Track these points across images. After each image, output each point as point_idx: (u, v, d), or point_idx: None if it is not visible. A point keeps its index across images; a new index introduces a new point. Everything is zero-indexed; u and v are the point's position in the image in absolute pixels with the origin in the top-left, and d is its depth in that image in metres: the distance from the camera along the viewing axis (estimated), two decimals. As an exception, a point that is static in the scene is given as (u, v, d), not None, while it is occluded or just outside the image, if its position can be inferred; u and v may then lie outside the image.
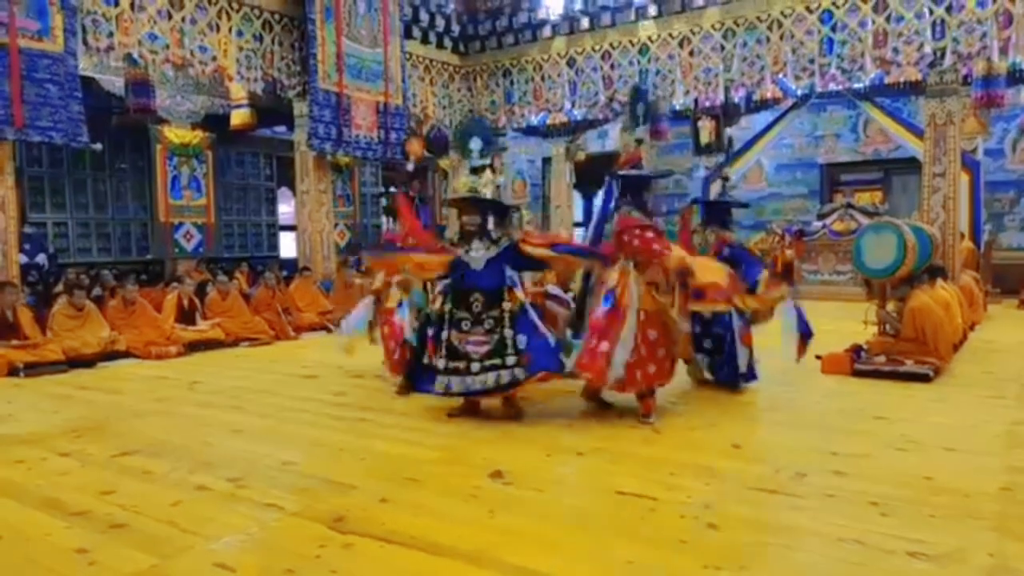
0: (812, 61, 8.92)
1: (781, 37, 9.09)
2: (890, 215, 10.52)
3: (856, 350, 6.06)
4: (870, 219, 9.89)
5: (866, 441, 3.95)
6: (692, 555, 2.57)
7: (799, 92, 11.64)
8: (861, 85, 11.12)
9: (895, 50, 8.45)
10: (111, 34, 7.22)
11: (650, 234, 4.39)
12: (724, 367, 5.24)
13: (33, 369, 6.47)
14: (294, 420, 4.68)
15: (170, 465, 3.70)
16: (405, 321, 4.87)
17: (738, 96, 11.53)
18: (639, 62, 10.20)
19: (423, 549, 2.64)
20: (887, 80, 10.97)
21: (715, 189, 11.64)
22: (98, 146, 8.44)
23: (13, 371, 6.43)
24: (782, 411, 4.70)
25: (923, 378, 5.49)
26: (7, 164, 6.91)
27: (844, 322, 7.07)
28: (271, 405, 5.13)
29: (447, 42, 11.78)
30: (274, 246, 15.87)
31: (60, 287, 9.01)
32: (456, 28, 11.89)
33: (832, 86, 10.68)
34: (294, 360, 7.20)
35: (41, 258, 10.64)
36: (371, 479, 3.44)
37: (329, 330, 9.07)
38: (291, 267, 11.63)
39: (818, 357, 6.06)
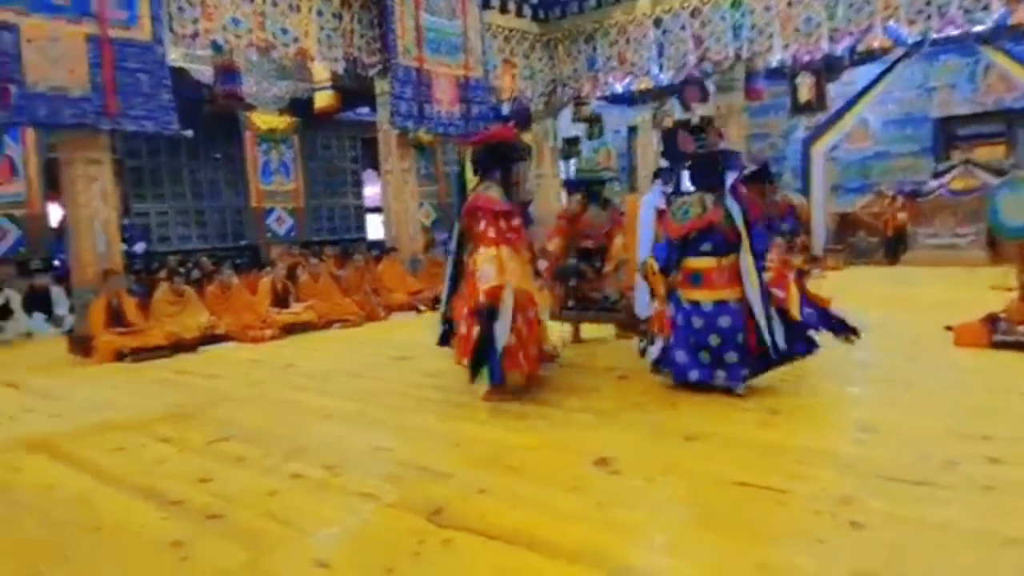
0: (929, 3, 8.08)
1: (894, -24, 8.29)
2: (1017, 169, 9.56)
3: (992, 319, 5.45)
4: (994, 176, 8.99)
5: (1022, 423, 3.47)
6: (836, 558, 2.25)
7: (910, 40, 10.67)
8: (983, 27, 10.08)
9: (1027, -18, 7.56)
10: (196, 20, 7.28)
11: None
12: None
13: (138, 354, 6.67)
14: (387, 404, 4.56)
15: (264, 451, 3.63)
16: None
17: (841, 47, 10.68)
18: (732, 17, 9.56)
19: (526, 546, 2.42)
20: (1011, 20, 9.89)
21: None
22: (189, 132, 8.60)
23: (120, 356, 6.64)
24: (914, 389, 4.24)
25: (1077, 349, 4.88)
26: (105, 155, 7.10)
27: (969, 289, 6.44)
28: (363, 389, 5.05)
29: (526, 10, 11.43)
30: (361, 228, 16.05)
31: (163, 274, 9.31)
32: (535, -6, 11.52)
33: (949, 30, 9.71)
34: (385, 341, 7.15)
35: (140, 247, 11.07)
36: (468, 467, 3.25)
37: (419, 310, 9.02)
38: (379, 248, 11.67)
39: (948, 328, 5.50)
